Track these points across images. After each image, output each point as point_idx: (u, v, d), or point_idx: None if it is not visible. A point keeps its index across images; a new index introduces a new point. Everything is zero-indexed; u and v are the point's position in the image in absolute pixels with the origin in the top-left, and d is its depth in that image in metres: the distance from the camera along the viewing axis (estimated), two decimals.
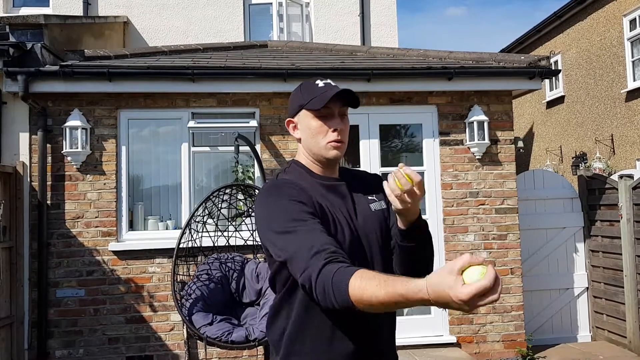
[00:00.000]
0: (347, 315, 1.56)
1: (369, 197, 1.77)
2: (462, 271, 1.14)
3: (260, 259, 4.93)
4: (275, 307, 1.71)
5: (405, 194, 1.46)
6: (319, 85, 1.71)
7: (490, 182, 5.84)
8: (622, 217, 5.84)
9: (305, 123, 1.72)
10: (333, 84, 1.72)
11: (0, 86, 5.28)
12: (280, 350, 1.67)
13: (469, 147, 5.82)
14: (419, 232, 1.60)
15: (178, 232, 4.92)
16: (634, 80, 10.06)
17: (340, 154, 1.71)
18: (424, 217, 6.03)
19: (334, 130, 1.69)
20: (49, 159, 5.37)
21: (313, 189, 1.69)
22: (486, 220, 5.81)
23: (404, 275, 1.58)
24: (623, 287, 5.85)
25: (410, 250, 1.63)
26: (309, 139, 1.72)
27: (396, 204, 1.50)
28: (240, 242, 5.09)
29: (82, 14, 8.65)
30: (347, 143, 1.74)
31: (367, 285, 1.28)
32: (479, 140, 5.68)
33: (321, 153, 1.70)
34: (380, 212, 1.75)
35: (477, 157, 5.81)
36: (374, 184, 1.82)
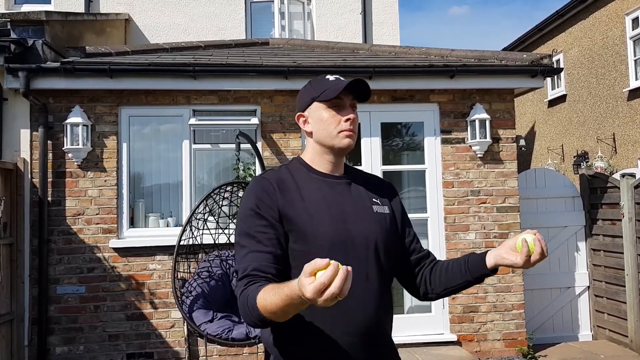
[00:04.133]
0: (347, 306, 1.58)
1: (374, 199, 1.78)
2: (315, 273, 1.25)
3: None
4: None
5: (529, 257, 1.60)
6: (330, 79, 1.75)
7: (492, 181, 5.83)
8: (623, 216, 5.83)
9: (317, 115, 1.74)
10: (342, 78, 1.76)
11: (2, 82, 5.28)
12: (278, 345, 1.64)
13: (470, 146, 5.81)
14: (488, 276, 1.74)
15: (179, 230, 4.91)
16: (636, 79, 10.04)
17: (352, 143, 1.74)
18: (425, 215, 5.99)
19: (347, 120, 1.72)
20: (50, 155, 5.37)
21: (305, 183, 1.71)
22: (487, 218, 5.80)
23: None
24: (624, 286, 5.84)
25: (465, 284, 1.77)
26: (321, 130, 1.73)
27: (517, 259, 1.62)
28: None
29: (83, 11, 8.63)
30: (357, 135, 1.77)
31: (267, 295, 1.39)
32: (480, 138, 5.67)
33: (334, 143, 1.72)
34: (382, 216, 1.76)
35: (478, 155, 5.80)
36: (384, 190, 1.85)
